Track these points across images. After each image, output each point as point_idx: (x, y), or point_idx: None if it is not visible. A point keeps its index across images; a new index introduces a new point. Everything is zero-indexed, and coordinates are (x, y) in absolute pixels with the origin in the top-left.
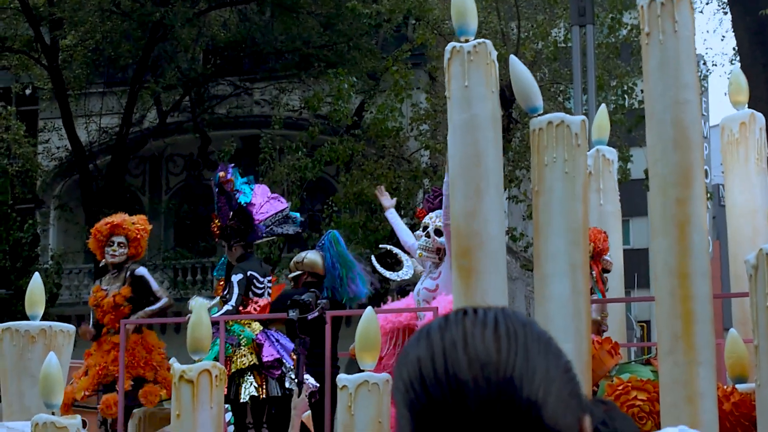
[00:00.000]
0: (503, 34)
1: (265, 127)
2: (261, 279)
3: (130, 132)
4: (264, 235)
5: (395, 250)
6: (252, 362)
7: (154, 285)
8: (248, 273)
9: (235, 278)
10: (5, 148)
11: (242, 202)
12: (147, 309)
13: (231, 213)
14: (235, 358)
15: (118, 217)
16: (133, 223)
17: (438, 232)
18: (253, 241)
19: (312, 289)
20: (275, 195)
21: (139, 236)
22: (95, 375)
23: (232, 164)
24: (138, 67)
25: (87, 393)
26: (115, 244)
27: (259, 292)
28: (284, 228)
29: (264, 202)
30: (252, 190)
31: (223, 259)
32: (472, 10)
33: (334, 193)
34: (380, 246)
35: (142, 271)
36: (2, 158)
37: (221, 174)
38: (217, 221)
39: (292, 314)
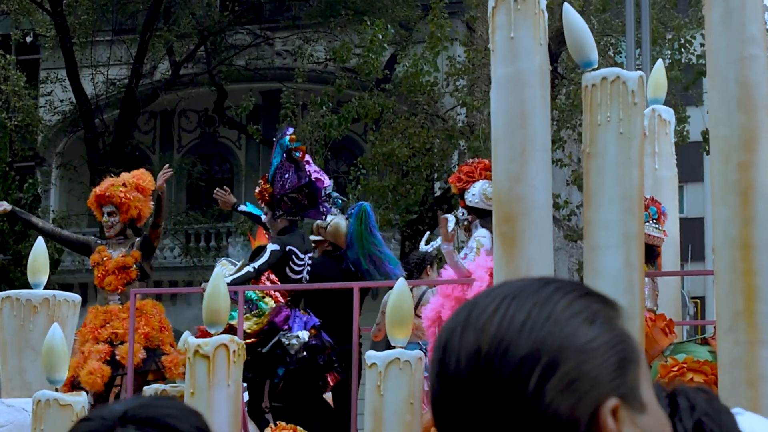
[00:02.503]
0: None
1: (287, 81)
2: (301, 256)
3: (139, 84)
4: (321, 215)
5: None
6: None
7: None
8: (287, 247)
9: (271, 246)
10: (4, 100)
11: (310, 174)
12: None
13: (297, 185)
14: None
15: (104, 184)
16: (122, 186)
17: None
18: (310, 217)
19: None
20: (317, 169)
21: (125, 200)
22: (142, 340)
23: (291, 129)
24: (149, 14)
25: (143, 357)
26: (106, 215)
27: (298, 269)
28: (333, 210)
29: (316, 174)
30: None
31: None
32: None
33: (361, 154)
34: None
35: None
36: (1, 112)
37: (292, 137)
38: (267, 185)
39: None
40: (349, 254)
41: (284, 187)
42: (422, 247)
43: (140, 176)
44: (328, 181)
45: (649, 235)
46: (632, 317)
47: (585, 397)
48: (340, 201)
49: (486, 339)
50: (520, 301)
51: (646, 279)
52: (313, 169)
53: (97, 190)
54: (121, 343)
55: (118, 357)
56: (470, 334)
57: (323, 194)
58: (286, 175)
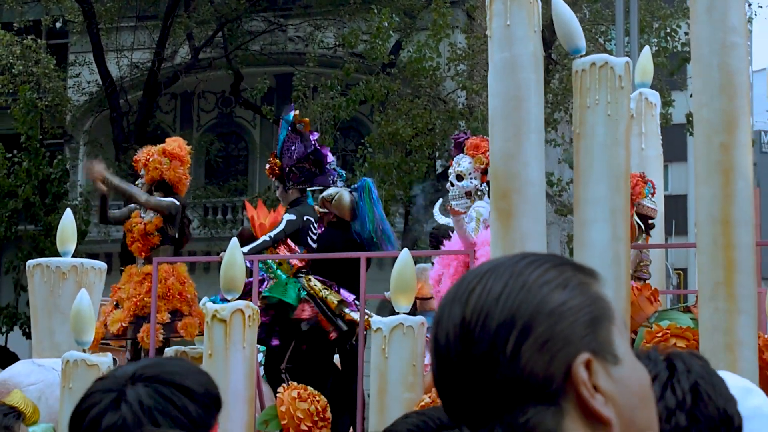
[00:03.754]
0: None
1: (299, 65)
2: (315, 227)
3: (161, 67)
4: (329, 182)
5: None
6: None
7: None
8: (305, 217)
9: (288, 216)
10: (35, 81)
11: (314, 143)
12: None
13: (304, 154)
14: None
15: (141, 153)
16: (147, 150)
17: (459, 177)
18: (320, 185)
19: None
20: (324, 146)
21: (145, 162)
22: (131, 307)
23: (293, 105)
24: (171, 1)
25: (123, 325)
26: (140, 179)
27: (315, 237)
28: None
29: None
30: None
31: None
32: None
33: (368, 133)
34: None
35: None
36: (32, 92)
37: (296, 113)
38: (277, 160)
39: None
40: (355, 226)
41: (292, 158)
42: (436, 215)
43: (170, 143)
44: (331, 157)
45: (649, 207)
46: (618, 286)
47: (558, 355)
48: (344, 175)
49: (468, 310)
50: (498, 274)
51: (642, 250)
52: (315, 140)
53: (135, 158)
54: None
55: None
56: (456, 308)
57: (328, 161)
58: (293, 147)
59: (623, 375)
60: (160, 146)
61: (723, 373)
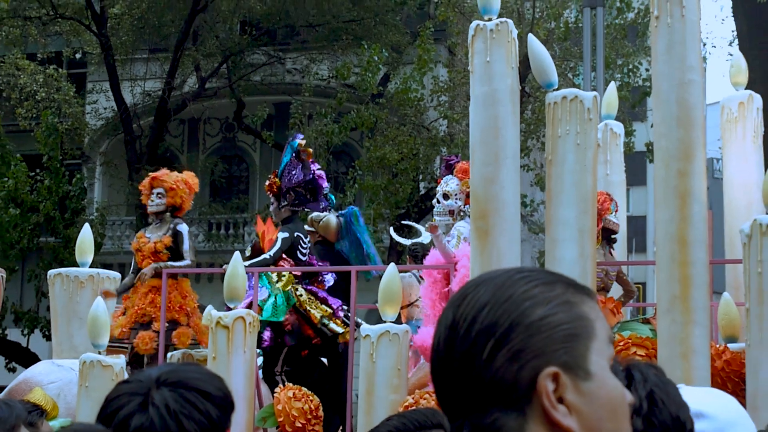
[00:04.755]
0: (519, 13)
1: (296, 94)
2: (305, 241)
3: (171, 95)
4: (320, 209)
5: (413, 224)
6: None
7: (186, 245)
8: (295, 234)
9: (281, 235)
10: (56, 107)
11: (314, 173)
12: (169, 264)
13: (302, 181)
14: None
15: (160, 171)
16: (173, 175)
17: (445, 196)
18: (310, 209)
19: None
20: (321, 174)
21: (175, 186)
22: (133, 314)
23: (301, 135)
24: (180, 36)
25: (124, 330)
26: (154, 195)
27: (305, 251)
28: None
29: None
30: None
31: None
32: None
33: (358, 157)
34: (402, 222)
35: (183, 228)
36: (53, 117)
37: (301, 142)
38: (277, 179)
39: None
40: (339, 246)
41: (291, 182)
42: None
43: (190, 176)
44: (326, 185)
45: (614, 222)
46: None
47: (527, 365)
48: (333, 203)
49: (458, 314)
50: (489, 285)
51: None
52: (317, 170)
53: (153, 174)
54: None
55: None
56: (450, 312)
57: (323, 191)
58: (294, 172)
59: (592, 389)
60: (183, 177)
61: (689, 389)
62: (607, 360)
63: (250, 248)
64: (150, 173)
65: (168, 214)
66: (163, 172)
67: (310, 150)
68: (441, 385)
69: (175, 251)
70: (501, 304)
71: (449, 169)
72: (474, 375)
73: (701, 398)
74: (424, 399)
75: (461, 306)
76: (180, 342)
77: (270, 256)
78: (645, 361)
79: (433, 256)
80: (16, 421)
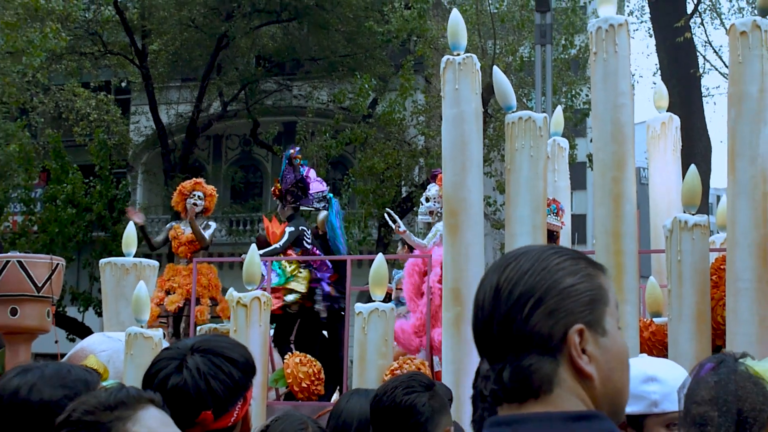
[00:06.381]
0: (482, 49)
1: (301, 115)
2: (308, 233)
3: (199, 116)
4: (311, 204)
5: (395, 216)
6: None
7: (208, 234)
8: (300, 228)
9: (289, 229)
10: (105, 126)
11: (303, 174)
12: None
13: (293, 181)
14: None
15: (198, 179)
16: (210, 187)
17: (427, 199)
18: (303, 205)
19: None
20: (320, 179)
21: (210, 194)
22: (183, 293)
23: (298, 148)
24: (207, 68)
25: (179, 305)
26: (196, 197)
27: (309, 242)
28: (320, 204)
29: (314, 181)
30: (305, 169)
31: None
32: (464, 31)
33: (351, 167)
34: (386, 210)
35: (213, 224)
36: (103, 134)
37: (292, 152)
38: (279, 185)
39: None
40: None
41: (287, 184)
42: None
43: (213, 189)
44: (318, 187)
45: (551, 224)
46: None
47: (560, 322)
48: (334, 202)
49: (502, 278)
50: (528, 256)
51: None
52: (313, 177)
53: (197, 180)
54: (168, 292)
55: (164, 304)
56: (494, 275)
57: (312, 191)
58: (288, 176)
59: (607, 344)
60: (213, 188)
61: (646, 359)
62: (616, 321)
63: (255, 240)
64: (187, 180)
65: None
66: (202, 181)
67: (299, 156)
68: (483, 335)
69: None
70: (539, 272)
71: (433, 179)
72: (516, 327)
73: (655, 366)
74: (407, 364)
75: (505, 272)
76: (224, 315)
77: (279, 246)
78: None
79: (410, 260)
80: (97, 382)
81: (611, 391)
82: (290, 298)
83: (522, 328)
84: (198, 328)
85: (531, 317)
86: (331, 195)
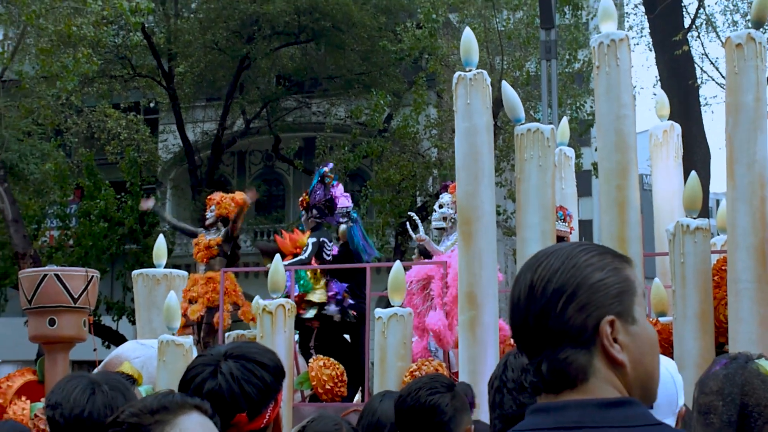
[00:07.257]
0: (491, 65)
1: (320, 131)
2: (329, 245)
3: (223, 134)
4: (333, 222)
5: (414, 216)
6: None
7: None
8: (321, 239)
9: (311, 240)
10: (135, 145)
11: (332, 194)
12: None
13: (322, 200)
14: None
15: (215, 194)
16: (219, 194)
17: (440, 206)
18: (327, 222)
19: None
20: (347, 194)
21: (219, 201)
22: (204, 302)
23: (331, 164)
24: (230, 88)
25: (201, 314)
26: (209, 211)
27: (328, 253)
28: (343, 219)
29: (341, 197)
30: (335, 188)
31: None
32: (475, 48)
33: (369, 178)
34: (411, 215)
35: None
36: (133, 152)
37: (326, 170)
38: (306, 197)
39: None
40: (352, 246)
41: (314, 200)
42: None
43: (237, 194)
44: (344, 203)
45: (560, 230)
46: None
47: (592, 315)
48: (356, 218)
49: (536, 277)
50: (558, 255)
51: None
52: (341, 193)
53: (208, 197)
54: (190, 302)
55: (188, 314)
56: (528, 274)
57: (337, 209)
58: (318, 192)
59: (637, 331)
60: (230, 195)
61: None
62: (644, 309)
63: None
64: (209, 196)
65: (220, 222)
66: (213, 195)
67: (332, 176)
68: (520, 331)
69: (223, 250)
70: (569, 270)
71: (445, 189)
72: (550, 323)
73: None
74: (425, 366)
75: (537, 270)
76: (246, 318)
77: (305, 257)
78: None
79: (414, 269)
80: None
81: (642, 375)
82: (310, 314)
83: (556, 323)
84: (227, 334)
85: (564, 312)
86: (355, 213)
